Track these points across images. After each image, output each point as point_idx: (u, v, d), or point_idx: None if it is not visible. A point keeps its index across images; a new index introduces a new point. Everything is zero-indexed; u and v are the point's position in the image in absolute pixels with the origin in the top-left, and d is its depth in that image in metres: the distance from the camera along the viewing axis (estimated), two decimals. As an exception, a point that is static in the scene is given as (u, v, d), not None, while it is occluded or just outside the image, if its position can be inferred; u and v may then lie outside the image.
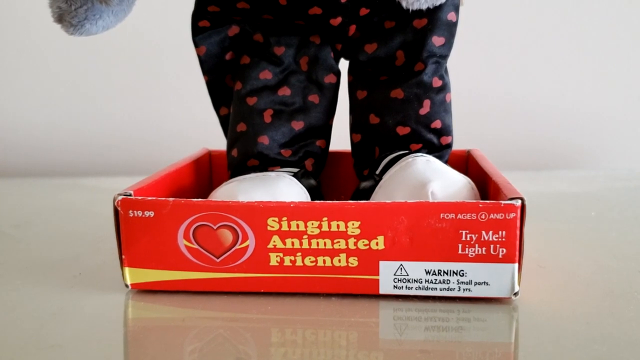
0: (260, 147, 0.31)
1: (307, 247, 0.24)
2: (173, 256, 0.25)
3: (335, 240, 0.24)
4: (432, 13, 0.30)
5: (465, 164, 0.37)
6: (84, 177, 0.57)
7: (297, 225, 0.24)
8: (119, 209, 0.24)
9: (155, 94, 0.62)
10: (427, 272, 0.24)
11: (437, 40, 0.30)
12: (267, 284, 0.25)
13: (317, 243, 0.24)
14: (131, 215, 0.24)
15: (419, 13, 0.30)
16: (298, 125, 0.32)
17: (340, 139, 0.35)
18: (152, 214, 0.24)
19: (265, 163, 0.31)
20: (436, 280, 0.24)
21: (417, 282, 0.24)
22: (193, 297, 0.26)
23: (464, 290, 0.24)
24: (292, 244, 0.24)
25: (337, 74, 0.33)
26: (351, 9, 0.29)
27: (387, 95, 0.31)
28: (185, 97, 0.60)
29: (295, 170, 0.31)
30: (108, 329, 0.23)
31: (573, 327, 0.23)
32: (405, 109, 0.30)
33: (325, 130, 0.33)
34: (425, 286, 0.24)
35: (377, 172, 0.30)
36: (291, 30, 0.32)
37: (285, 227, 0.24)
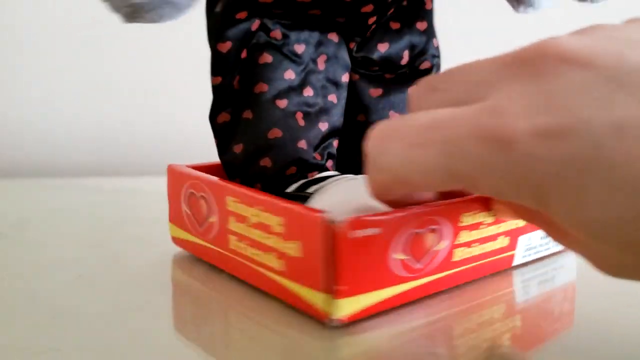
0: (300, 152, 0.29)
1: (480, 236, 0.26)
2: (382, 273, 0.22)
3: (498, 225, 0.26)
4: (429, 18, 0.34)
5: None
6: (83, 177, 0.55)
7: (477, 217, 0.25)
8: (341, 230, 0.20)
9: (155, 94, 0.62)
10: (541, 238, 0.29)
11: (435, 42, 0.34)
12: (446, 282, 0.25)
13: (487, 231, 0.26)
14: (351, 236, 0.21)
15: (420, 16, 0.33)
16: (324, 126, 0.31)
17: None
18: (377, 230, 0.21)
19: (304, 169, 0.29)
20: (543, 243, 0.29)
21: (534, 248, 0.29)
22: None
23: (555, 246, 0.30)
24: (469, 235, 0.25)
25: (350, 72, 0.33)
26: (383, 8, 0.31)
27: (406, 93, 0.33)
28: (186, 98, 0.59)
29: (337, 173, 0.30)
30: (107, 332, 0.23)
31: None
32: None
33: (340, 129, 0.32)
34: (537, 250, 0.29)
35: None
36: (311, 26, 0.30)
37: (471, 221, 0.25)
